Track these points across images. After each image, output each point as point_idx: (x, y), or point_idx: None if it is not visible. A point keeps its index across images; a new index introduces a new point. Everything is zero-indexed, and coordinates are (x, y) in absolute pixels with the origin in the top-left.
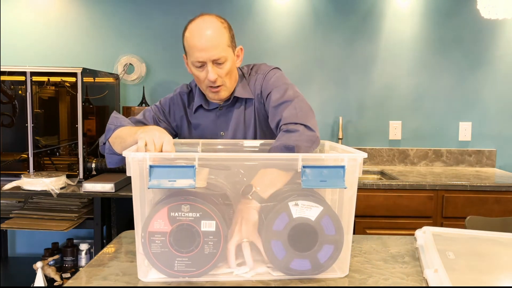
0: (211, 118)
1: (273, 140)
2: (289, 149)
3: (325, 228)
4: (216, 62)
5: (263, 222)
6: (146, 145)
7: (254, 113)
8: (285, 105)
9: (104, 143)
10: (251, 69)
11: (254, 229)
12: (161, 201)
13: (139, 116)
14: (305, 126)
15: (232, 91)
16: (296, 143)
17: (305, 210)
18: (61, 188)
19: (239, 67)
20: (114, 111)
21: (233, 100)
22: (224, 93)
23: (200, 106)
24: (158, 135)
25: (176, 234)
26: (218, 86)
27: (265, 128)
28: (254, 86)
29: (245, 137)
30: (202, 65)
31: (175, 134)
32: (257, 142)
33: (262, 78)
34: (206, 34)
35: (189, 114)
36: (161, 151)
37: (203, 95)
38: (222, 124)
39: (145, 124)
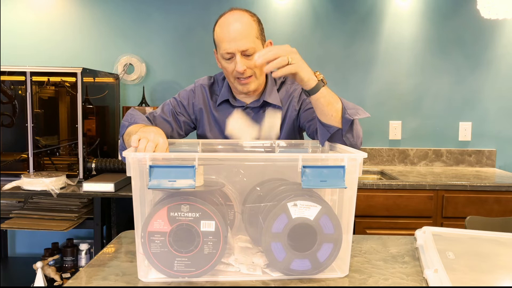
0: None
1: (271, 141)
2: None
3: (323, 226)
4: (244, 54)
5: (262, 225)
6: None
7: (284, 119)
8: None
9: (119, 139)
10: (285, 78)
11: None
12: (161, 201)
13: (157, 111)
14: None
15: (261, 84)
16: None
17: (304, 210)
18: (61, 188)
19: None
20: (132, 108)
21: (262, 104)
22: (253, 85)
23: (226, 101)
24: (152, 137)
25: (176, 234)
26: (247, 78)
27: (291, 135)
28: (290, 95)
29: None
30: (231, 57)
31: (194, 127)
32: (257, 142)
33: (300, 88)
34: (234, 26)
35: (211, 106)
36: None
37: (231, 90)
38: None
39: (164, 119)
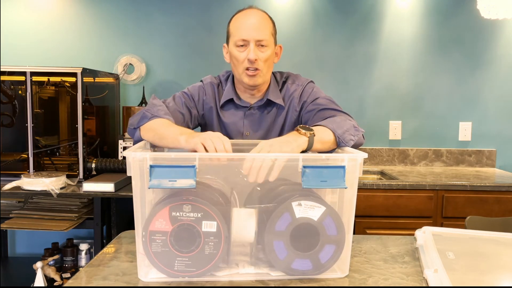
0: (239, 116)
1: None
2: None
3: (327, 228)
4: (259, 44)
5: (265, 223)
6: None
7: (285, 119)
8: (335, 112)
9: (135, 128)
10: (286, 77)
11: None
12: (163, 200)
13: (169, 102)
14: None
15: (266, 82)
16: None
17: (308, 210)
18: (61, 188)
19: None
20: (153, 95)
21: (266, 103)
22: (259, 79)
23: (230, 101)
24: (216, 140)
25: (177, 234)
26: (255, 70)
27: None
28: (290, 94)
29: None
30: (245, 44)
31: (198, 123)
32: (256, 142)
33: (300, 88)
34: (253, 17)
35: (218, 106)
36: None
37: (234, 90)
38: (248, 124)
39: (178, 110)
